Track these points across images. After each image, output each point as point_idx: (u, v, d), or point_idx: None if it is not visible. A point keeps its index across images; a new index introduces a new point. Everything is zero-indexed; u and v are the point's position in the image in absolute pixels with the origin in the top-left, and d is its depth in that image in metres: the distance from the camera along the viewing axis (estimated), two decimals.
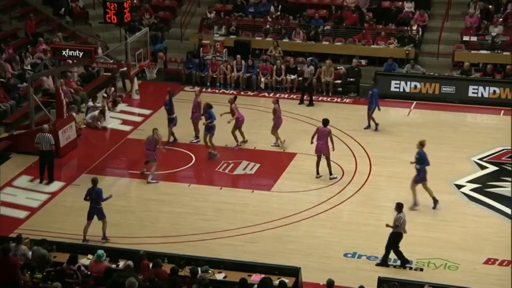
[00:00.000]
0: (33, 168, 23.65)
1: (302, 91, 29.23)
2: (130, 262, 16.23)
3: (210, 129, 24.07)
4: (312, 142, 22.90)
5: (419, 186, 21.22)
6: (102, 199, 19.64)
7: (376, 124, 26.31)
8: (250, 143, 25.28)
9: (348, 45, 31.88)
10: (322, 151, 22.74)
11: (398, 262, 18.73)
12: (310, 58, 30.42)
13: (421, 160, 21.06)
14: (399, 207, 18.51)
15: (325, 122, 23.00)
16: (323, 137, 22.71)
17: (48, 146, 22.55)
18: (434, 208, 21.22)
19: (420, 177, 21.14)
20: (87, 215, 19.56)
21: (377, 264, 18.64)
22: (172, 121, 24.98)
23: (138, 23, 32.67)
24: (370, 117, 26.28)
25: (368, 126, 26.36)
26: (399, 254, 18.55)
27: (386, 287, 16.20)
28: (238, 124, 24.81)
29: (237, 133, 24.94)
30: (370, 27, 32.23)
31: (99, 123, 26.79)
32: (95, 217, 19.61)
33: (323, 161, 22.78)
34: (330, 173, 22.87)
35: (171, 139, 25.20)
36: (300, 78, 29.60)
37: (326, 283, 16.07)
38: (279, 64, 30.33)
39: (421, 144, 21.32)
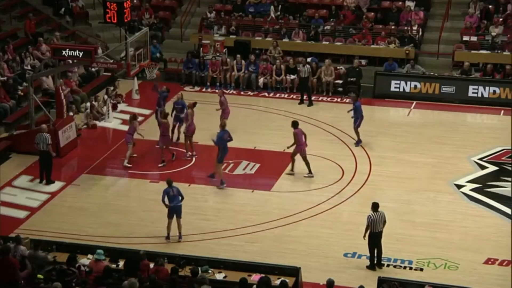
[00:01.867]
0: (33, 168, 23.64)
1: (300, 91, 29.22)
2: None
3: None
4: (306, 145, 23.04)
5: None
6: (182, 196, 19.67)
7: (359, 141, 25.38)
8: (250, 143, 25.25)
9: (348, 45, 31.86)
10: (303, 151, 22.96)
11: (399, 262, 18.76)
12: (310, 58, 30.45)
13: (217, 140, 22.32)
14: (373, 206, 18.40)
15: (295, 123, 22.96)
16: (303, 138, 22.90)
17: (45, 146, 22.57)
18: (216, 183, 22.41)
19: (218, 157, 22.18)
20: (167, 214, 19.61)
21: (367, 267, 18.51)
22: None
23: (138, 23, 32.69)
24: (356, 131, 25.23)
25: (359, 142, 25.27)
26: (372, 254, 18.45)
27: (386, 287, 16.19)
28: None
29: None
30: (370, 27, 32.22)
31: (90, 119, 26.82)
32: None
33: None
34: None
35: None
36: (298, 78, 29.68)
37: (326, 283, 16.06)
38: (279, 64, 30.31)
39: (221, 125, 22.72)
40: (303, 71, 28.92)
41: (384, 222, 18.37)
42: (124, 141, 24.15)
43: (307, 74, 28.90)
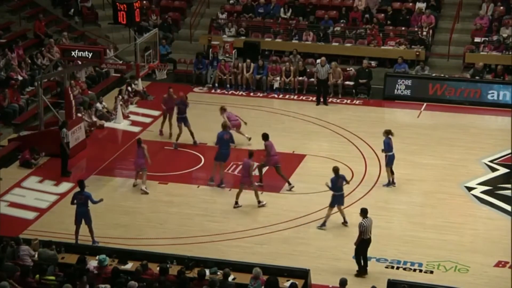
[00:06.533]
0: (42, 169, 23.69)
1: (318, 92, 29.05)
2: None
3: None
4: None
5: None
6: None
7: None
8: (259, 144, 25.13)
9: (358, 46, 31.77)
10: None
11: (409, 264, 18.65)
12: (322, 58, 30.36)
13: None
14: (362, 212, 18.19)
15: (265, 136, 22.46)
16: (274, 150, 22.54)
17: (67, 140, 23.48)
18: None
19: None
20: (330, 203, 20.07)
21: (356, 275, 18.19)
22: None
23: (147, 24, 32.66)
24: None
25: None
26: (359, 261, 18.19)
27: None
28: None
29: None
30: (380, 28, 32.11)
31: (96, 119, 26.85)
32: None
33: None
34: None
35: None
36: (313, 79, 29.53)
37: (339, 282, 16.10)
38: (300, 66, 30.19)
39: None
40: (324, 72, 28.77)
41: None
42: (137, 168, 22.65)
43: (327, 75, 28.83)
